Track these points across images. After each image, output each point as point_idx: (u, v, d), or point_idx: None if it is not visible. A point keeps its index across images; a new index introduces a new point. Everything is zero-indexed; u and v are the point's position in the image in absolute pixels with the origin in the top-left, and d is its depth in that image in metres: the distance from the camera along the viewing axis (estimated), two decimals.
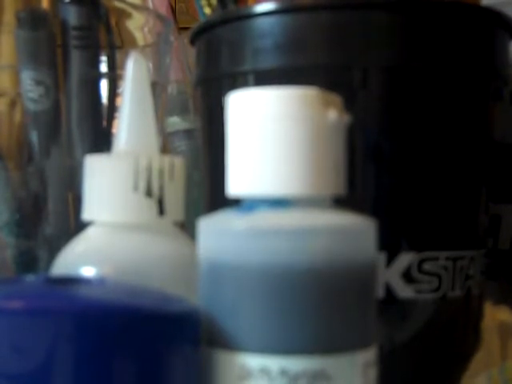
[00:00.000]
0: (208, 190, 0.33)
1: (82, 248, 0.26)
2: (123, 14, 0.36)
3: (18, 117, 0.34)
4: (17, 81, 0.33)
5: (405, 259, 0.29)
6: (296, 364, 0.20)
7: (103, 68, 0.34)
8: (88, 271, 0.24)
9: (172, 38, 0.39)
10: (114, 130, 0.34)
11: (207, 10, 0.46)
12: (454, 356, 0.32)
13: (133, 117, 0.26)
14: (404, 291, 0.29)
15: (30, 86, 0.32)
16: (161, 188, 0.25)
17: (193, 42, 0.34)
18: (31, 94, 0.33)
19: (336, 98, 0.21)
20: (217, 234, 0.21)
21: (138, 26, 0.37)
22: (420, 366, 0.31)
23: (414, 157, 0.30)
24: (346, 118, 0.21)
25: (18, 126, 0.34)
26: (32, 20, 0.33)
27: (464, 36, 0.30)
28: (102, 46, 0.34)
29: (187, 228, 0.26)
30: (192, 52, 0.36)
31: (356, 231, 0.21)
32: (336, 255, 0.20)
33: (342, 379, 0.20)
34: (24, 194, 0.33)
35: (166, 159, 0.25)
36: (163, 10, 0.49)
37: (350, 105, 0.22)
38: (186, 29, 0.50)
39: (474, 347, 0.33)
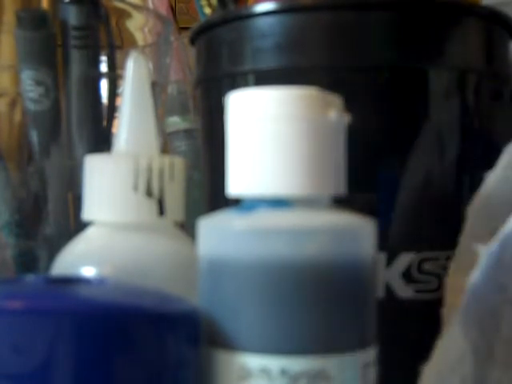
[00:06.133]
0: (208, 189, 0.33)
1: (81, 248, 0.26)
2: (123, 14, 0.36)
3: (17, 117, 0.34)
4: (17, 81, 0.33)
5: (405, 259, 0.29)
6: (296, 364, 0.20)
7: (103, 68, 0.34)
8: (88, 271, 0.24)
9: (172, 38, 0.39)
10: (114, 130, 0.34)
11: (207, 10, 0.46)
12: None
13: (133, 117, 0.26)
14: (404, 291, 0.29)
15: (29, 86, 0.32)
16: (161, 188, 0.25)
17: (193, 42, 0.34)
18: (31, 94, 0.33)
19: (336, 98, 0.21)
20: (217, 233, 0.21)
21: (138, 26, 0.37)
22: (420, 366, 0.31)
23: (414, 157, 0.30)
24: (346, 118, 0.21)
25: (18, 125, 0.34)
26: (32, 20, 0.33)
27: (464, 36, 0.30)
28: (102, 46, 0.34)
29: (187, 228, 0.26)
30: (192, 52, 0.36)
31: (356, 231, 0.21)
32: (336, 255, 0.20)
33: (342, 379, 0.20)
34: (24, 193, 0.33)
35: (166, 159, 0.25)
36: (163, 9, 0.49)
37: (349, 105, 0.22)
38: (186, 29, 0.50)
39: None
